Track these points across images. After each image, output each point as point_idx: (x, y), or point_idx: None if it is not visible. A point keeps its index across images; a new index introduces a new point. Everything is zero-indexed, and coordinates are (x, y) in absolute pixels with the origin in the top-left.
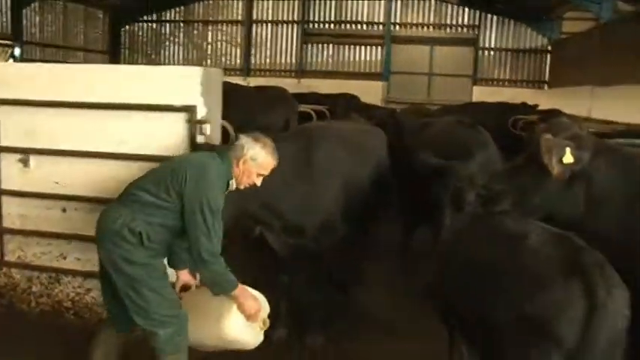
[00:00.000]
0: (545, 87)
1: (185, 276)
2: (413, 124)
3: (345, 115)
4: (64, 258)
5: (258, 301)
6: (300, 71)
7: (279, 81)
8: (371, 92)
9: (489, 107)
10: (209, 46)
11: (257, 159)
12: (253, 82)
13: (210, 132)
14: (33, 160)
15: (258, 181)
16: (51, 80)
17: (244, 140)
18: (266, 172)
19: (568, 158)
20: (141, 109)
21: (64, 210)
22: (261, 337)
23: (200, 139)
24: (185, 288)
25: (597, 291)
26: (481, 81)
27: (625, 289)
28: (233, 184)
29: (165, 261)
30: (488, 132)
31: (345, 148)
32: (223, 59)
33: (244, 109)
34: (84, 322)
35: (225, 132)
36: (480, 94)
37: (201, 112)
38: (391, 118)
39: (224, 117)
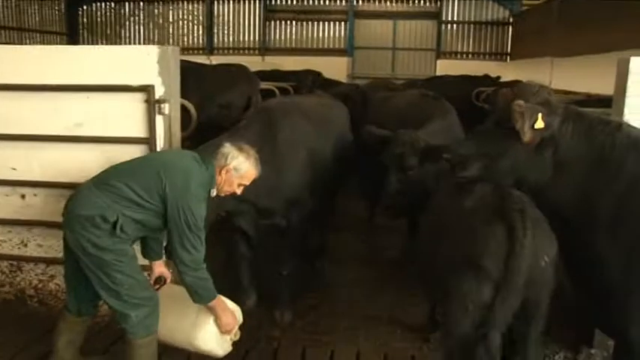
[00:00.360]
0: (508, 59)
1: (159, 267)
2: (378, 98)
3: (309, 91)
4: (25, 245)
5: (234, 316)
6: (264, 49)
7: (243, 59)
8: (335, 68)
9: (453, 80)
10: (170, 26)
11: (240, 170)
12: (216, 60)
13: (170, 111)
14: None
15: (239, 191)
16: (4, 63)
17: (228, 149)
18: (247, 183)
19: (539, 124)
20: (97, 90)
21: (22, 196)
22: (229, 348)
23: (159, 118)
24: (159, 280)
25: (516, 231)
26: (444, 54)
27: (547, 233)
28: (214, 192)
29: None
30: (453, 104)
31: (309, 122)
32: (185, 39)
33: (205, 87)
34: (49, 310)
35: (185, 111)
36: (444, 67)
37: (159, 92)
38: (357, 92)
39: (184, 96)
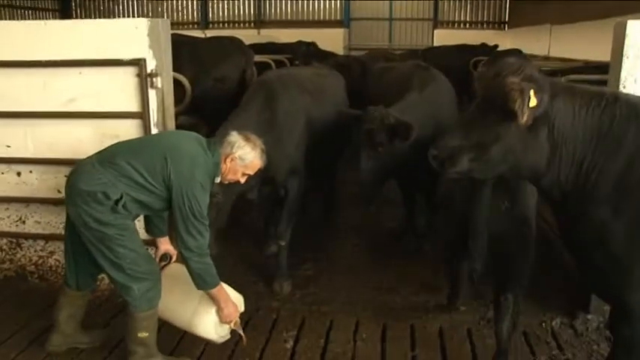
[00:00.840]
0: (506, 28)
1: (165, 245)
2: (377, 69)
3: (303, 61)
4: (24, 222)
5: (236, 307)
6: (259, 22)
7: (238, 32)
8: (332, 40)
9: (451, 50)
10: (165, 1)
11: (245, 159)
12: (211, 35)
13: (162, 84)
14: None
15: (243, 179)
16: None
17: (235, 138)
18: (252, 173)
19: (533, 101)
20: (88, 65)
21: (18, 174)
22: (228, 336)
23: (152, 92)
24: (165, 257)
25: (475, 182)
26: (442, 24)
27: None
28: (218, 179)
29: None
30: (452, 74)
31: (306, 92)
32: (180, 13)
33: (199, 61)
34: (49, 285)
35: (179, 85)
36: (441, 37)
37: (150, 65)
38: (356, 62)
39: (178, 70)
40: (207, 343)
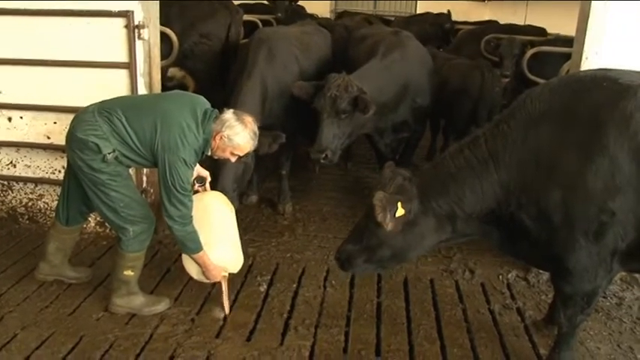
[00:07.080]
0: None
1: (199, 169)
2: (357, 34)
3: (287, 16)
4: (14, 166)
5: (219, 273)
6: None
7: None
8: (319, 4)
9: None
10: None
11: (232, 140)
12: None
13: (149, 36)
14: None
15: (233, 159)
16: None
17: (228, 116)
18: (241, 154)
19: (400, 212)
20: (78, 15)
21: (9, 119)
22: (208, 282)
23: (139, 43)
24: (200, 180)
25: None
26: None
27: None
28: (209, 152)
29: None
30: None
31: (298, 47)
32: None
33: (186, 16)
34: (39, 227)
35: (166, 38)
36: (424, 5)
37: (138, 17)
38: (340, 26)
39: (167, 26)
40: (184, 285)
